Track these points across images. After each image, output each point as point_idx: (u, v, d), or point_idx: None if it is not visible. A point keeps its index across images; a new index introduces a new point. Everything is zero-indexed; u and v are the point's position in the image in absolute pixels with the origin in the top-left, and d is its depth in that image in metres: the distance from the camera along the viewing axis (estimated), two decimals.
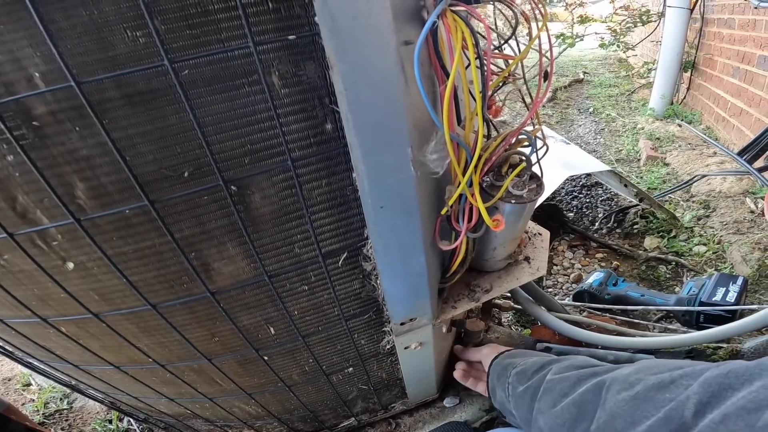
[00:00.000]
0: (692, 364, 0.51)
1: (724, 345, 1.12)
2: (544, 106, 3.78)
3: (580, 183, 2.32)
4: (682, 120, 3.19)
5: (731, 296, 1.30)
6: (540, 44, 0.68)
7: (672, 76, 3.57)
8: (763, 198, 1.90)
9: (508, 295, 1.46)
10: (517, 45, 0.77)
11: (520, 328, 1.65)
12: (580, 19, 4.69)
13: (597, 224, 2.05)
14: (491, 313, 1.53)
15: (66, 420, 1.60)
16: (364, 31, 0.45)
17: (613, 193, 2.19)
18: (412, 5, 0.53)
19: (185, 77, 0.46)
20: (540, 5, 0.66)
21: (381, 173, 0.55)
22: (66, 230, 0.53)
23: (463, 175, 0.62)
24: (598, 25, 5.04)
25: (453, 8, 0.52)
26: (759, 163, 2.05)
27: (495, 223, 0.67)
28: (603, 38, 4.79)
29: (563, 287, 1.82)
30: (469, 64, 0.56)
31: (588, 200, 2.21)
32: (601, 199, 2.20)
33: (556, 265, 1.88)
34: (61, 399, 1.66)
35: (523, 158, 0.70)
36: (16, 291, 0.63)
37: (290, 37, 0.47)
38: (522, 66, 0.74)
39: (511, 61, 0.70)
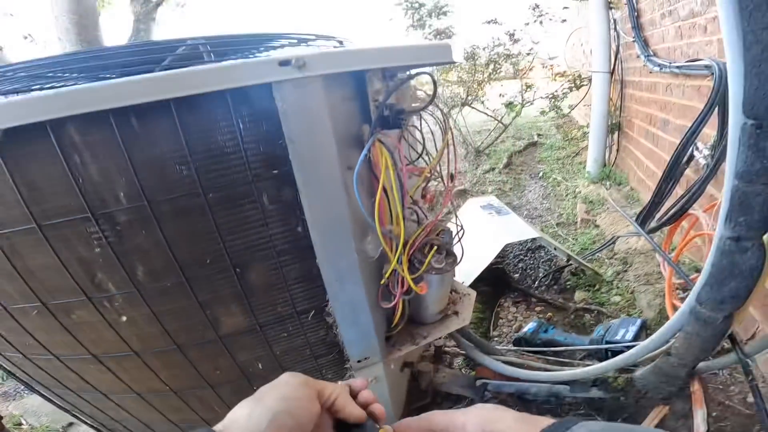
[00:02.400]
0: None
1: (621, 374, 1.37)
2: (500, 172, 4.07)
3: (526, 247, 2.60)
4: (612, 182, 3.38)
5: (629, 335, 1.58)
6: (448, 151, 0.95)
7: (602, 139, 3.57)
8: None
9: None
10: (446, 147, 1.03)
11: (470, 370, 1.87)
12: (525, 87, 4.83)
13: (537, 282, 2.32)
14: (442, 358, 1.76)
15: None
16: (319, 168, 0.73)
17: (553, 255, 2.46)
18: (355, 136, 0.80)
19: (211, 200, 0.71)
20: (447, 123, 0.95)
21: (335, 258, 0.81)
22: (126, 295, 0.76)
23: (394, 255, 0.87)
24: (543, 88, 5.01)
25: (381, 137, 0.79)
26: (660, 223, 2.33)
27: (420, 288, 0.93)
28: (543, 108, 4.92)
29: (507, 336, 2.05)
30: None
31: (532, 262, 2.49)
32: (542, 260, 2.47)
33: (502, 318, 2.11)
34: None
35: (437, 243, 0.96)
36: (78, 335, 0.85)
37: (274, 172, 0.74)
38: (439, 168, 0.99)
39: (434, 164, 0.98)
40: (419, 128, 1.00)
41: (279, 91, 0.70)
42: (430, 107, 0.94)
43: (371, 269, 0.90)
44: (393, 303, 0.95)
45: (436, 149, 0.95)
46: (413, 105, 0.98)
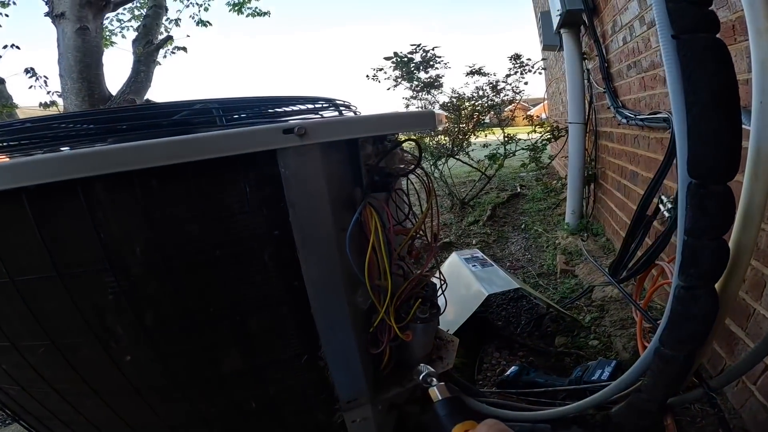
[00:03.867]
0: None
1: (600, 412, 1.38)
2: (484, 224, 4.10)
3: (509, 297, 2.60)
4: (590, 233, 3.32)
5: (605, 375, 1.60)
6: (432, 212, 1.01)
7: (579, 191, 3.42)
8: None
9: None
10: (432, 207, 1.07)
11: None
12: (507, 139, 4.75)
13: (520, 329, 2.33)
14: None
15: None
16: (315, 230, 0.78)
17: (534, 303, 2.48)
18: (347, 199, 0.85)
19: (218, 255, 0.76)
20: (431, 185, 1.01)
21: (328, 309, 0.84)
22: (133, 338, 0.79)
23: (382, 306, 0.91)
24: (525, 138, 4.87)
25: (371, 200, 0.84)
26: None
27: (406, 336, 0.96)
28: (524, 160, 4.84)
29: (491, 379, 2.05)
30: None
31: (514, 311, 2.50)
32: (524, 309, 2.48)
33: (486, 363, 2.11)
34: None
35: (422, 295, 1.00)
36: (81, 372, 0.85)
37: (276, 233, 0.78)
38: (424, 228, 1.05)
39: (418, 225, 1.03)
40: (405, 191, 1.06)
41: (282, 158, 0.76)
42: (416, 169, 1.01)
43: (361, 318, 0.94)
44: (380, 349, 0.98)
45: (421, 209, 1.01)
46: (400, 167, 1.04)
